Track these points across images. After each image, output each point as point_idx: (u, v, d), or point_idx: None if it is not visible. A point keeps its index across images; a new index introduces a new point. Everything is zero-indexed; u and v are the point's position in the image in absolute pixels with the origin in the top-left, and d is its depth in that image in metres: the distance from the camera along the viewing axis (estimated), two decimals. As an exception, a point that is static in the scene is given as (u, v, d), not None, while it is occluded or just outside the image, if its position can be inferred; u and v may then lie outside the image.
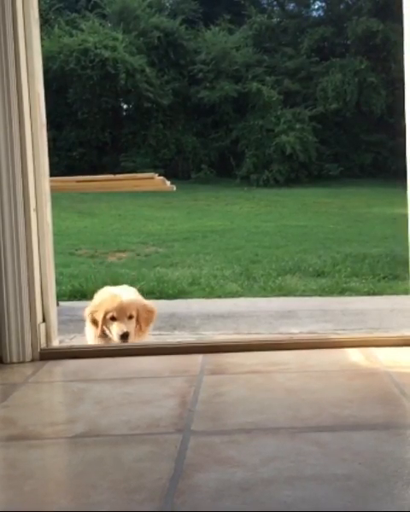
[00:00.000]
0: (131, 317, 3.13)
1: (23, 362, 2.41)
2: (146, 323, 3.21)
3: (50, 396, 2.09)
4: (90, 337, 3.34)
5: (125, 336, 3.05)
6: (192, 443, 1.59)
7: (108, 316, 3.12)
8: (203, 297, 6.10)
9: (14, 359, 2.41)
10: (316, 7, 23.04)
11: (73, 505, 1.33)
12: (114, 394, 2.02)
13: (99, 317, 3.12)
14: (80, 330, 3.34)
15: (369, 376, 2.08)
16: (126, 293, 3.25)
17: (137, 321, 3.16)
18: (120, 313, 3.09)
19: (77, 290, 5.66)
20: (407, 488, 1.31)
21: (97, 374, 2.25)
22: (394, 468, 1.41)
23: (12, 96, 2.35)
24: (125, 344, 2.93)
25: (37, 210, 2.46)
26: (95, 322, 3.16)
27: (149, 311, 3.25)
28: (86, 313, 3.30)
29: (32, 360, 2.42)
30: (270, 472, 1.42)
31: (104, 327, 3.14)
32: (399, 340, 2.45)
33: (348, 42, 20.69)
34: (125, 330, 3.05)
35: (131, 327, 3.12)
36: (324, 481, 1.36)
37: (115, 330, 3.07)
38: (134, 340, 3.09)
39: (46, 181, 2.50)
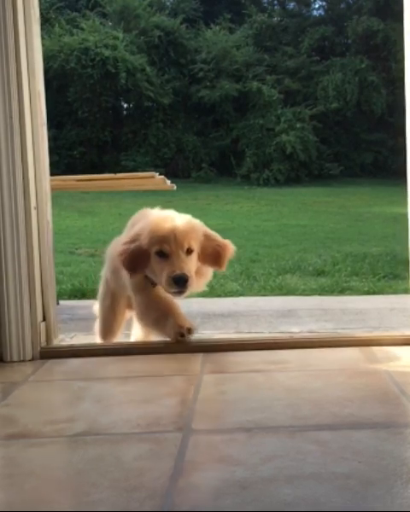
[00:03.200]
0: (190, 252, 2.36)
1: (23, 360, 2.41)
2: (214, 263, 2.44)
3: (50, 395, 2.09)
4: (109, 292, 2.72)
5: (181, 282, 2.29)
6: (192, 441, 1.59)
7: (154, 249, 2.34)
8: (203, 296, 6.10)
9: (15, 358, 2.41)
10: (316, 6, 23.07)
11: (73, 503, 1.33)
12: (115, 393, 2.02)
13: (140, 256, 2.36)
14: (81, 329, 3.32)
15: (369, 375, 2.08)
16: (181, 218, 2.43)
17: (201, 258, 2.41)
18: (173, 245, 2.32)
19: (77, 289, 5.65)
20: (407, 487, 1.31)
21: (98, 372, 2.25)
22: (393, 467, 1.41)
23: (12, 95, 2.35)
24: (125, 342, 2.72)
25: (37, 208, 2.46)
26: (131, 261, 2.37)
27: (220, 245, 2.44)
28: (110, 250, 2.65)
29: (33, 359, 2.43)
30: (270, 470, 1.42)
31: (145, 269, 2.39)
32: (399, 338, 2.45)
33: (349, 41, 20.69)
34: (180, 272, 2.28)
35: (190, 266, 2.34)
36: (323, 480, 1.36)
37: (166, 272, 2.30)
38: (196, 288, 2.43)
39: (46, 179, 2.50)
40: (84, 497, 1.33)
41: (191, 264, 2.36)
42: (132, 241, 2.40)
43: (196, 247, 2.38)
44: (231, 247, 2.47)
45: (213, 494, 1.32)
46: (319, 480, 1.37)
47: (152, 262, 2.37)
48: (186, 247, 2.35)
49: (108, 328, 2.74)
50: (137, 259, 2.37)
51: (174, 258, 2.32)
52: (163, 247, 2.33)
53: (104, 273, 2.76)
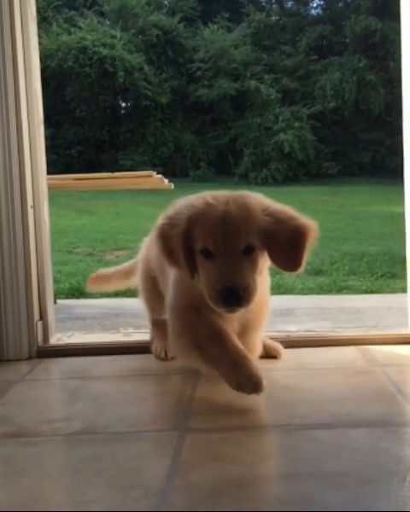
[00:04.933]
0: (249, 251, 1.77)
1: (20, 359, 2.41)
2: (288, 261, 1.81)
3: (47, 393, 2.09)
4: (150, 291, 2.28)
5: (232, 298, 1.72)
6: (188, 440, 1.59)
7: (200, 245, 1.78)
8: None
9: (11, 357, 2.41)
10: (315, 5, 23.10)
11: (69, 502, 1.33)
12: (111, 392, 2.02)
13: (177, 245, 1.80)
14: (78, 328, 3.32)
15: (366, 374, 2.08)
16: (236, 200, 1.81)
17: (270, 256, 1.81)
18: (222, 242, 1.75)
19: (75, 288, 5.65)
20: (403, 485, 1.31)
21: (94, 371, 2.25)
22: (390, 466, 1.41)
23: (9, 94, 2.35)
24: (123, 341, 2.60)
25: (34, 207, 2.45)
26: (170, 251, 1.84)
27: (298, 229, 1.79)
28: (146, 241, 2.25)
29: (29, 358, 2.42)
30: (266, 469, 1.42)
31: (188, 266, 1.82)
32: (396, 338, 2.45)
33: (347, 40, 20.69)
34: (230, 283, 1.71)
35: (248, 273, 1.75)
36: (320, 478, 1.36)
37: (210, 280, 1.75)
38: (256, 304, 1.82)
39: (43, 178, 2.50)
40: (81, 496, 1.33)
41: (251, 269, 1.75)
42: (172, 221, 1.83)
43: (258, 242, 1.76)
44: (313, 231, 1.81)
45: (209, 492, 1.32)
46: (315, 478, 1.37)
47: (197, 259, 1.81)
48: (243, 245, 1.75)
49: (157, 312, 2.31)
50: (174, 250, 1.82)
51: (223, 262, 1.74)
52: (208, 245, 1.76)
53: (143, 253, 2.34)
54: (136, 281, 2.46)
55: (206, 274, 1.78)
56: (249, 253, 1.77)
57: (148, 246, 2.29)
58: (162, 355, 2.33)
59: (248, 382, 1.75)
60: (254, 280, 1.76)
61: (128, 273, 2.57)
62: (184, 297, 1.92)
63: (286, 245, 1.78)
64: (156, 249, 1.94)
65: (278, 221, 1.79)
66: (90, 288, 2.78)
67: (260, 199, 1.86)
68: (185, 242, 1.79)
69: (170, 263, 1.88)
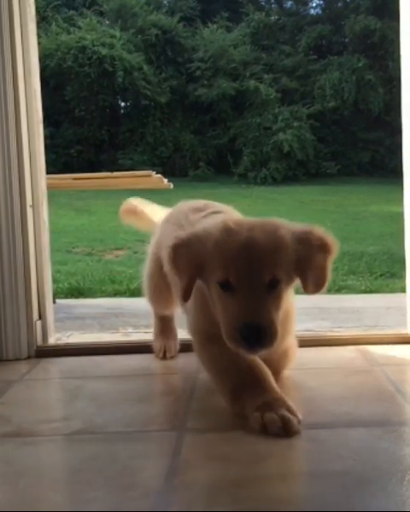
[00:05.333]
0: (274, 284, 1.60)
1: (19, 359, 2.40)
2: (314, 285, 1.68)
3: (46, 393, 2.09)
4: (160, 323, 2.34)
5: (253, 337, 1.55)
6: (187, 440, 1.59)
7: (218, 276, 1.61)
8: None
9: (10, 356, 2.41)
10: (314, 5, 23.10)
11: (68, 502, 1.33)
12: (110, 391, 2.01)
13: (184, 271, 1.67)
14: (77, 328, 3.32)
15: (365, 374, 2.08)
16: (262, 227, 1.67)
17: (303, 282, 1.66)
18: (246, 274, 1.58)
19: (74, 288, 5.65)
20: (402, 485, 1.31)
21: (93, 371, 2.25)
22: (389, 465, 1.41)
23: (8, 93, 2.35)
24: (122, 340, 2.58)
25: (33, 207, 2.45)
26: (177, 266, 1.70)
27: (322, 246, 1.68)
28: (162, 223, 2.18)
29: (28, 357, 2.42)
30: (265, 469, 1.42)
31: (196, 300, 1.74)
32: (395, 337, 2.45)
33: (346, 40, 20.71)
34: (252, 320, 1.55)
35: (272, 308, 1.59)
36: (319, 478, 1.36)
37: (229, 315, 1.59)
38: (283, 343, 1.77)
39: (43, 178, 2.50)
40: (79, 496, 1.33)
41: (275, 306, 1.60)
42: (189, 241, 1.69)
43: (285, 274, 1.62)
44: (336, 250, 1.71)
45: (207, 492, 1.32)
46: (314, 477, 1.37)
47: (211, 291, 1.66)
48: (268, 278, 1.59)
49: (162, 306, 2.32)
50: (181, 270, 1.70)
51: (245, 296, 1.57)
52: (229, 276, 1.59)
53: (152, 248, 2.25)
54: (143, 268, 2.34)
55: (224, 309, 1.60)
56: (274, 287, 1.60)
57: (161, 231, 2.18)
58: (161, 354, 2.33)
59: (275, 425, 1.57)
60: (278, 318, 1.60)
61: (153, 221, 2.44)
62: (208, 322, 1.72)
63: (316, 269, 1.66)
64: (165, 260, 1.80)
65: (309, 246, 1.66)
66: (122, 217, 2.65)
67: (286, 224, 1.71)
68: (196, 268, 1.65)
69: (174, 275, 1.73)
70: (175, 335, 2.39)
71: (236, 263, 1.59)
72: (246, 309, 1.56)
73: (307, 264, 1.65)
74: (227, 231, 1.65)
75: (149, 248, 2.29)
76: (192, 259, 1.65)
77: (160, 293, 2.24)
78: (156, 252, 2.17)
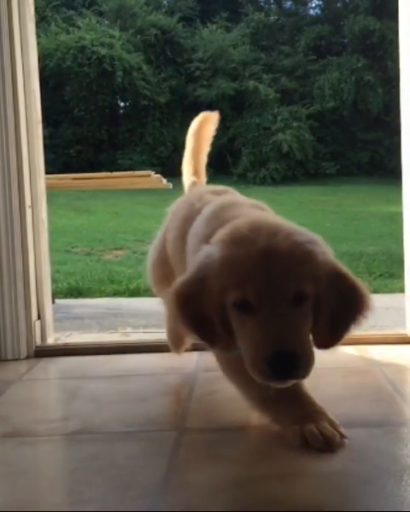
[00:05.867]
0: (300, 300, 1.38)
1: (18, 359, 2.40)
2: (334, 329, 1.44)
3: (45, 393, 2.09)
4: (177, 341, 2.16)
5: (285, 369, 1.33)
6: (186, 440, 1.59)
7: (233, 297, 1.37)
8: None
9: (9, 356, 2.41)
10: (313, 5, 23.11)
11: (67, 502, 1.33)
12: (109, 392, 2.01)
13: (210, 310, 1.40)
14: (76, 328, 3.32)
15: (363, 374, 2.08)
16: (284, 233, 1.43)
17: (319, 309, 1.41)
18: (265, 289, 1.35)
19: (73, 288, 5.66)
20: (400, 485, 1.31)
21: (92, 371, 2.25)
22: (387, 466, 1.41)
23: (7, 93, 2.35)
24: (121, 340, 2.56)
25: (32, 207, 2.45)
26: (197, 320, 1.44)
27: (352, 289, 1.43)
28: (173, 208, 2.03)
29: (27, 357, 2.42)
30: (264, 469, 1.42)
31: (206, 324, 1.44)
32: (393, 337, 2.45)
33: (345, 40, 20.70)
34: (282, 347, 1.31)
35: (302, 327, 1.38)
36: (317, 478, 1.36)
37: (252, 343, 1.36)
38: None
39: (41, 178, 2.50)
40: (78, 496, 1.33)
41: (305, 325, 1.38)
42: (196, 280, 1.43)
43: (311, 289, 1.38)
44: (370, 309, 1.46)
45: (206, 492, 1.32)
46: (312, 478, 1.37)
47: (230, 315, 1.41)
48: (293, 291, 1.35)
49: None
50: (199, 318, 1.43)
51: (270, 317, 1.33)
52: (246, 294, 1.35)
53: (161, 235, 2.11)
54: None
55: (245, 334, 1.37)
56: (301, 302, 1.37)
57: (167, 225, 2.03)
58: (176, 349, 2.21)
59: (316, 438, 1.44)
60: (307, 339, 1.38)
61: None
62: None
63: (340, 311, 1.42)
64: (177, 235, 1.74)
65: (339, 276, 1.43)
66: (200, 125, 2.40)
67: (317, 241, 1.47)
68: (221, 304, 1.39)
69: (200, 337, 1.47)
70: None
71: (253, 277, 1.34)
72: (273, 333, 1.31)
73: (326, 294, 1.40)
74: (239, 240, 1.41)
75: (159, 232, 2.15)
76: (212, 296, 1.39)
77: (166, 282, 1.91)
78: (163, 236, 2.06)
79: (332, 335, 1.45)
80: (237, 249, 1.40)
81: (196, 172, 2.26)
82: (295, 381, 1.42)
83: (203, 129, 2.35)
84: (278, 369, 1.32)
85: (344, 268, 1.46)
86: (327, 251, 1.46)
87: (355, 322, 1.46)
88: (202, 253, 1.47)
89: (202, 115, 2.37)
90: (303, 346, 1.36)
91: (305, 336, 1.39)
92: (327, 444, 1.45)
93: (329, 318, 1.43)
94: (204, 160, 2.33)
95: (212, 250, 1.44)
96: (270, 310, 1.34)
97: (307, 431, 1.46)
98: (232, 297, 1.38)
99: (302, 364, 1.35)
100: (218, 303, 1.41)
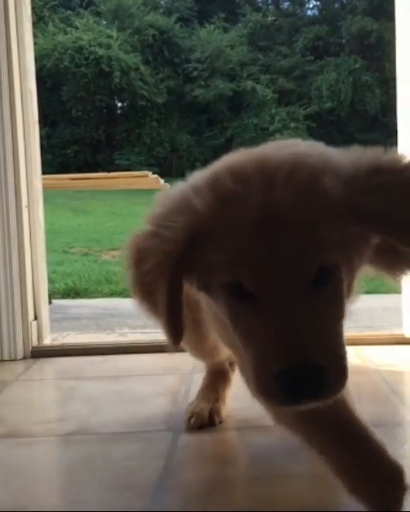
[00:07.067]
0: (324, 275, 0.94)
1: (14, 359, 2.40)
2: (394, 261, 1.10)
3: (41, 394, 2.09)
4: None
5: (305, 382, 0.91)
6: (182, 441, 1.59)
7: (222, 277, 0.96)
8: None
9: (6, 357, 2.40)
10: (311, 6, 23.08)
11: (62, 502, 1.33)
12: (105, 392, 2.01)
13: (161, 278, 0.99)
14: (73, 328, 3.31)
15: (360, 374, 2.08)
16: (298, 177, 0.95)
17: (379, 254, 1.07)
18: (275, 266, 0.92)
19: (70, 288, 5.65)
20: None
21: (89, 372, 2.24)
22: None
23: (4, 94, 2.34)
24: (118, 341, 2.57)
25: (29, 207, 2.45)
26: (147, 288, 1.05)
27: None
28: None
29: (24, 358, 2.42)
30: (260, 469, 1.42)
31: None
32: (390, 338, 2.45)
33: (343, 41, 20.73)
34: (298, 357, 0.90)
35: (329, 325, 0.95)
36: (314, 479, 1.36)
37: (256, 354, 0.94)
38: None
39: (38, 178, 2.50)
40: (74, 497, 1.33)
41: (333, 312, 0.97)
42: (158, 232, 1.01)
43: (343, 253, 0.97)
44: None
45: (202, 493, 1.32)
46: (309, 478, 1.37)
47: (215, 298, 1.03)
48: (313, 266, 0.93)
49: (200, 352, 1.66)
50: (153, 288, 1.02)
51: (277, 309, 0.92)
52: (241, 277, 0.94)
53: None
54: None
55: (240, 334, 0.98)
56: (326, 280, 0.95)
57: None
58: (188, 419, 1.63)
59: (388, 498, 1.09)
60: (342, 333, 0.98)
61: None
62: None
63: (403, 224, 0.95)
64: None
65: (387, 188, 0.95)
66: None
67: (323, 155, 1.01)
68: (178, 275, 0.99)
69: (145, 308, 1.09)
70: (223, 397, 1.67)
71: (253, 252, 0.92)
72: (284, 336, 0.90)
73: (384, 223, 0.96)
74: (226, 194, 0.96)
75: None
76: (169, 260, 0.98)
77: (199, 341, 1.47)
78: None
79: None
80: (223, 208, 0.96)
81: None
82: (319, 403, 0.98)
83: None
84: (293, 390, 0.91)
85: (370, 157, 1.01)
86: (334, 163, 0.99)
87: None
88: (178, 189, 1.07)
89: None
90: (332, 350, 0.94)
91: (334, 333, 0.95)
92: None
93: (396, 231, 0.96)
94: None
95: (195, 191, 1.01)
96: (278, 298, 0.92)
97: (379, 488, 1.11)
98: (220, 276, 0.96)
99: (331, 379, 0.93)
100: (179, 271, 0.99)
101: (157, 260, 0.99)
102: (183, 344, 1.30)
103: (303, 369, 0.90)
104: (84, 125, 19.01)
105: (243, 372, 1.03)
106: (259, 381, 0.95)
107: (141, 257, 1.03)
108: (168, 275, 0.99)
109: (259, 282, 0.93)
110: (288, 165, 0.97)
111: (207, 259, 0.96)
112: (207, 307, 1.19)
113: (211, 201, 0.97)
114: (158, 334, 2.36)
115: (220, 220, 0.95)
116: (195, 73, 19.75)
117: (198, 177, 1.07)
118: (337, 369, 0.95)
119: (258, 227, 0.93)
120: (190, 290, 1.08)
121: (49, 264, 2.64)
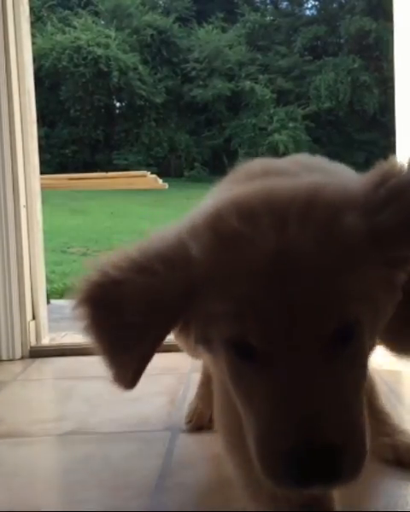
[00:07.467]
0: (347, 334, 0.79)
1: (12, 359, 2.40)
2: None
3: (39, 394, 2.09)
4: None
5: (318, 463, 0.74)
6: (180, 440, 1.59)
7: (220, 331, 0.83)
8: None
9: (4, 357, 2.40)
10: (309, 6, 23.09)
11: (61, 502, 1.32)
12: (103, 392, 2.01)
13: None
14: (72, 328, 3.30)
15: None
16: (316, 216, 0.80)
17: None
18: (289, 322, 0.77)
19: (69, 288, 5.66)
20: (399, 485, 1.31)
21: (87, 371, 2.24)
22: (385, 466, 1.41)
23: (2, 93, 2.34)
24: None
25: (27, 207, 2.45)
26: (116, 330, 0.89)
27: None
28: None
29: (22, 358, 2.42)
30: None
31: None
32: (389, 338, 2.45)
33: (342, 41, 20.75)
34: (309, 434, 0.74)
35: (347, 397, 0.78)
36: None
37: (261, 426, 0.79)
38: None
39: (36, 178, 2.49)
40: (72, 497, 1.33)
41: (355, 378, 0.82)
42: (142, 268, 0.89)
43: (369, 309, 0.82)
44: None
45: (201, 493, 1.32)
46: (307, 478, 1.37)
47: (215, 355, 0.90)
48: (333, 323, 0.79)
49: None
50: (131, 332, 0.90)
51: (288, 372, 0.78)
52: (248, 334, 0.80)
53: None
54: None
55: (244, 396, 0.84)
56: (348, 339, 0.81)
57: None
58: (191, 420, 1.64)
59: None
60: (363, 403, 0.82)
61: None
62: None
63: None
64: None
65: (395, 196, 0.83)
66: None
67: (342, 184, 0.88)
68: (167, 330, 0.90)
69: (109, 361, 0.95)
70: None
71: (259, 302, 0.79)
72: (295, 407, 0.76)
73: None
74: (232, 235, 0.82)
75: None
76: (156, 311, 0.86)
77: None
78: None
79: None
80: (224, 253, 0.82)
81: None
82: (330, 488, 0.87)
83: None
84: (302, 473, 0.76)
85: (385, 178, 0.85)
86: (353, 197, 0.84)
87: None
88: (175, 230, 0.92)
89: None
90: (350, 424, 0.78)
91: (353, 402, 0.80)
92: None
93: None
94: None
95: (193, 229, 0.88)
96: (289, 359, 0.78)
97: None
98: (223, 330, 0.82)
99: (348, 461, 0.77)
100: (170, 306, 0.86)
101: (142, 313, 0.86)
102: (179, 343, 1.29)
103: (315, 448, 0.75)
104: (83, 125, 19.01)
105: (247, 433, 0.84)
106: (263, 461, 0.80)
107: (118, 307, 0.88)
108: (156, 330, 0.87)
109: (267, 338, 0.78)
110: (302, 200, 0.83)
111: (208, 309, 0.82)
112: None
113: (212, 245, 0.83)
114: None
115: (223, 265, 0.81)
116: (193, 73, 19.76)
117: (196, 215, 0.91)
118: (355, 448, 0.78)
119: (269, 273, 0.78)
120: None
121: (47, 263, 2.63)
